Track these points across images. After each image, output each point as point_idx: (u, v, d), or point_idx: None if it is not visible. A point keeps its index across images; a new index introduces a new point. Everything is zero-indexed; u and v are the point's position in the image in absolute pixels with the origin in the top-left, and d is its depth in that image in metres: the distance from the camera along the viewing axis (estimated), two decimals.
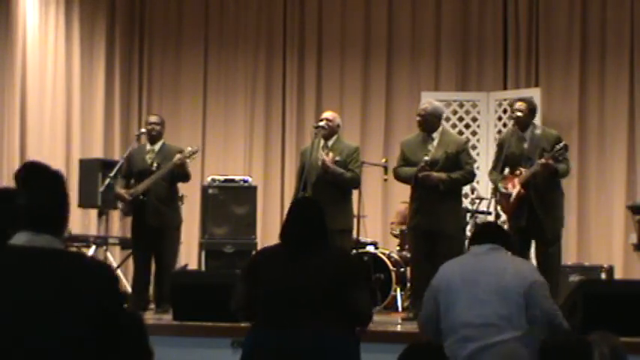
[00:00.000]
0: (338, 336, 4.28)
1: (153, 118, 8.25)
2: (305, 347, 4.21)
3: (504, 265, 4.43)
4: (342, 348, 4.29)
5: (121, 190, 7.98)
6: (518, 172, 7.31)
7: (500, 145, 7.61)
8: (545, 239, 7.27)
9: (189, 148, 7.99)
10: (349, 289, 4.35)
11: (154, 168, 7.92)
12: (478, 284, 4.34)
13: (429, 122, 7.47)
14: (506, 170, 7.50)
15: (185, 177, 8.01)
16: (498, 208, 7.75)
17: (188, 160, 7.95)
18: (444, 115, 8.36)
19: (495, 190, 7.57)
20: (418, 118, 7.48)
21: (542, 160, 7.14)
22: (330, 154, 7.52)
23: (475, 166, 9.51)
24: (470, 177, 7.62)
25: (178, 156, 7.86)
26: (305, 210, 4.60)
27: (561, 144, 7.26)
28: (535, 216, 7.21)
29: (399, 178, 7.66)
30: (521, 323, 4.29)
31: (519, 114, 7.45)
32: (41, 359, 2.38)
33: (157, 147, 8.07)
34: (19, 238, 2.50)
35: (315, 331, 4.22)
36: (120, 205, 8.08)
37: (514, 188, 7.30)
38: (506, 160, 7.45)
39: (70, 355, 2.39)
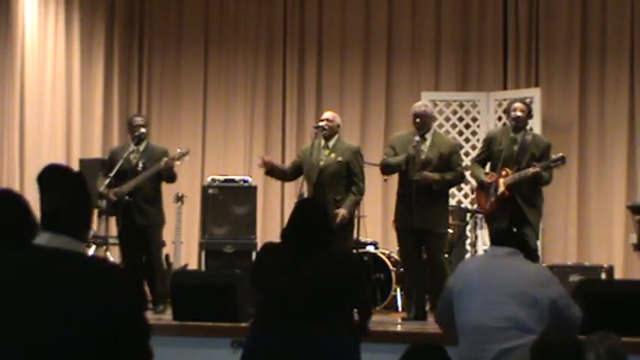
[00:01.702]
0: (338, 336, 4.27)
1: (141, 120, 8.22)
2: (305, 347, 4.20)
3: (524, 271, 4.39)
4: (342, 348, 4.29)
5: (104, 189, 7.89)
6: (504, 172, 7.37)
7: (489, 140, 7.68)
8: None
9: (179, 150, 7.97)
10: (351, 289, 4.35)
11: (139, 168, 7.90)
12: (496, 286, 4.31)
13: (427, 123, 7.55)
14: (487, 166, 7.59)
15: (172, 178, 8.00)
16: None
17: (178, 162, 7.95)
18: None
19: (495, 190, 7.58)
20: (417, 120, 7.51)
21: (536, 169, 7.21)
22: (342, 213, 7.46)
23: None
24: (460, 178, 7.77)
25: (165, 159, 7.83)
26: (308, 211, 4.59)
27: (559, 155, 7.33)
28: (520, 218, 7.28)
29: (388, 165, 7.63)
30: (536, 328, 4.22)
31: (520, 114, 7.49)
32: None
33: (141, 147, 8.04)
34: (41, 239, 2.52)
35: (316, 332, 4.22)
36: (103, 204, 8.02)
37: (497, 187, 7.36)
38: (492, 157, 7.52)
39: (74, 358, 2.38)
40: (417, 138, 7.43)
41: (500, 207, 7.37)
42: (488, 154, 7.60)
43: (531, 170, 7.26)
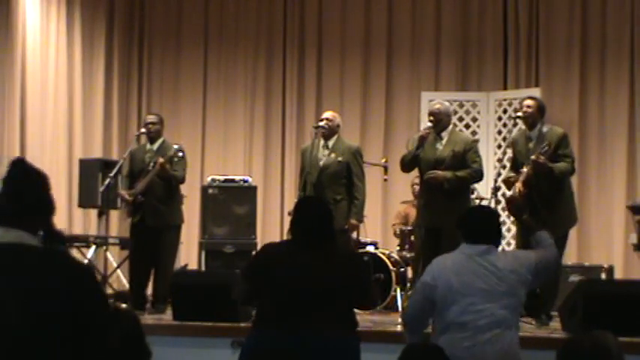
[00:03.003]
0: (340, 336, 4.27)
1: (151, 118, 8.22)
2: (307, 347, 4.20)
3: (499, 268, 4.46)
4: (343, 348, 4.29)
5: (123, 190, 7.98)
6: (522, 170, 7.31)
7: (511, 145, 7.63)
8: None
9: (175, 147, 7.93)
10: (353, 288, 4.36)
11: (150, 167, 7.90)
12: (474, 289, 4.39)
13: (442, 122, 7.47)
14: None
15: (171, 179, 7.88)
16: (499, 207, 7.73)
17: (176, 160, 7.88)
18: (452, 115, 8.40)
19: (495, 190, 7.57)
20: (431, 118, 7.47)
21: (533, 157, 7.13)
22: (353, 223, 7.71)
23: None
24: (477, 175, 7.50)
25: (160, 160, 7.79)
26: (313, 210, 4.57)
27: (544, 144, 7.17)
28: (538, 215, 7.18)
29: (402, 160, 7.56)
30: (515, 319, 4.45)
31: (524, 111, 7.40)
32: (7, 356, 2.36)
33: (155, 146, 8.05)
34: None
35: (318, 332, 4.22)
36: (122, 205, 8.10)
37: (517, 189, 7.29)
38: (515, 159, 7.49)
39: (38, 352, 2.37)
40: (429, 124, 7.41)
41: (524, 202, 7.28)
42: (515, 157, 7.53)
43: (531, 158, 7.15)
